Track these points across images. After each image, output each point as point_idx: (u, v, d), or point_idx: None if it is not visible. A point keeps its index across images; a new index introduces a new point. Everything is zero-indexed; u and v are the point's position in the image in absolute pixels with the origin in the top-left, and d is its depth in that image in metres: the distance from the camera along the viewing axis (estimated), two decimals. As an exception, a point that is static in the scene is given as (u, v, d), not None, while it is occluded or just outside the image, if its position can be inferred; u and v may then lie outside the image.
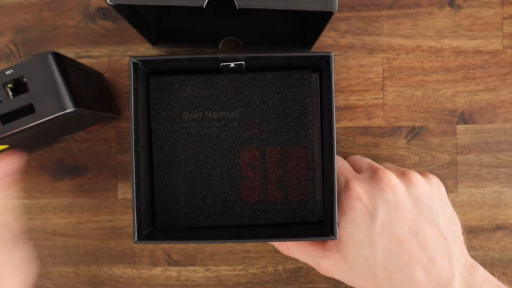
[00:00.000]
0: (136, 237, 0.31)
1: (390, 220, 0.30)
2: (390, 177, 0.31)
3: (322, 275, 0.37)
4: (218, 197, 0.35)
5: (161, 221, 0.35)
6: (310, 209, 0.35)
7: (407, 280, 0.29)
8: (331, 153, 0.31)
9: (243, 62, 0.31)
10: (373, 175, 0.32)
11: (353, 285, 0.33)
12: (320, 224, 0.35)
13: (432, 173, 0.40)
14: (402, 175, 0.32)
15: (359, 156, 0.37)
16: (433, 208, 0.31)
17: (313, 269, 0.38)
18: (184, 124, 0.35)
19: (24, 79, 0.30)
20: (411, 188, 0.31)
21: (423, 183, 0.32)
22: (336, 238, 0.30)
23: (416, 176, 0.32)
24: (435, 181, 0.33)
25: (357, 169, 0.35)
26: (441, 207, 0.32)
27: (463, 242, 0.32)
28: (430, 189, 0.32)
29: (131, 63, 0.31)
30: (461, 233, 0.32)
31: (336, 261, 0.32)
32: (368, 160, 0.35)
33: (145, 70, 0.34)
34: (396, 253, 0.30)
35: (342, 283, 0.39)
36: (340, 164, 0.33)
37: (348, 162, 0.37)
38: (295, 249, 0.34)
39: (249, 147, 0.36)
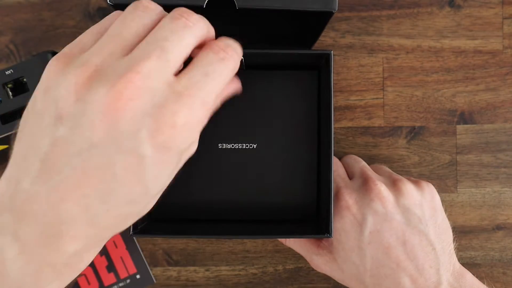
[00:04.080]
0: (131, 230, 0.31)
1: (378, 230, 0.31)
2: (380, 188, 0.32)
3: (322, 275, 0.38)
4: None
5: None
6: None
7: (394, 287, 0.30)
8: (329, 152, 0.31)
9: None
10: (364, 184, 0.33)
11: (342, 283, 0.34)
12: (316, 222, 0.35)
13: (432, 173, 0.40)
14: (393, 184, 0.33)
15: (354, 157, 0.37)
16: (422, 218, 0.32)
17: (313, 269, 0.38)
18: None
19: (24, 79, 0.30)
20: (401, 199, 0.32)
21: (413, 193, 0.32)
22: (331, 236, 0.30)
23: (406, 186, 0.32)
24: (428, 189, 0.33)
25: (350, 173, 0.36)
26: (432, 216, 0.32)
27: (453, 249, 0.32)
28: (421, 198, 0.32)
29: None
30: (451, 240, 0.33)
31: (327, 261, 0.34)
32: (362, 164, 0.36)
33: None
34: (384, 261, 0.31)
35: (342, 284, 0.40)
36: (334, 168, 0.34)
37: (343, 163, 0.37)
38: (291, 240, 0.36)
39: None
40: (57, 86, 0.19)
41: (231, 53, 0.22)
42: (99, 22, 0.21)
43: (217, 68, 0.21)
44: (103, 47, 0.20)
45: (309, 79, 0.35)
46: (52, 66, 0.20)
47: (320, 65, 0.34)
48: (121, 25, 0.20)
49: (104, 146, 0.19)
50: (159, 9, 0.21)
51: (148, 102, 0.19)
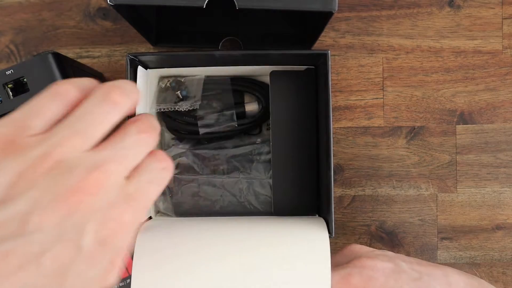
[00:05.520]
0: None
1: None
2: None
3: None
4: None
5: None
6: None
7: None
8: (328, 152, 0.31)
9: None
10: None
11: None
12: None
13: (432, 173, 0.40)
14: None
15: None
16: None
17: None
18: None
19: (25, 79, 0.30)
20: None
21: None
22: (333, 235, 0.30)
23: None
24: None
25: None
26: None
27: None
28: None
29: (128, 59, 0.31)
30: None
31: None
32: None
33: (143, 66, 0.34)
34: None
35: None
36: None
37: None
38: None
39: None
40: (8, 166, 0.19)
41: (170, 164, 0.23)
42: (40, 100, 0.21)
43: (160, 177, 0.22)
44: (65, 139, 0.20)
45: (307, 78, 0.36)
46: None
47: (318, 65, 0.34)
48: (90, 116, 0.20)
49: (45, 233, 0.18)
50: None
51: (103, 199, 0.19)
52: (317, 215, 0.35)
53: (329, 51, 0.31)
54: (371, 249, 0.33)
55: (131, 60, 0.31)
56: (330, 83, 0.31)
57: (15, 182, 0.19)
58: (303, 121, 0.35)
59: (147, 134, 0.22)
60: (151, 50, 0.40)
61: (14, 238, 0.18)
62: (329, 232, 0.31)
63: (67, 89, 0.21)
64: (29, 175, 0.19)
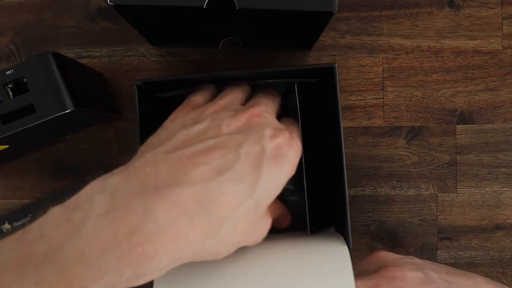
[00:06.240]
0: None
1: None
2: None
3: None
4: None
5: None
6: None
7: None
8: (341, 167, 0.31)
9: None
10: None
11: None
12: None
13: (432, 173, 0.40)
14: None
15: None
16: None
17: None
18: None
19: (25, 79, 0.30)
20: None
21: None
22: (351, 247, 0.30)
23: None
24: None
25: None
26: None
27: None
28: None
29: (136, 87, 0.31)
30: None
31: None
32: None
33: (150, 89, 0.34)
34: None
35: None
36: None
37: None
38: None
39: None
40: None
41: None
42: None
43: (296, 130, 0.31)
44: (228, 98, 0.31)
45: (314, 88, 0.35)
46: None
47: (325, 76, 0.34)
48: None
49: (235, 134, 0.26)
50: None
51: (267, 123, 0.28)
52: (333, 228, 0.34)
53: (336, 65, 0.31)
54: (398, 256, 0.32)
55: (139, 87, 0.31)
56: (339, 96, 0.30)
57: (202, 111, 0.28)
58: (311, 131, 0.34)
59: (270, 92, 0.32)
60: (151, 50, 0.41)
61: (214, 138, 0.26)
62: (347, 245, 0.30)
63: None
64: (210, 109, 0.28)
